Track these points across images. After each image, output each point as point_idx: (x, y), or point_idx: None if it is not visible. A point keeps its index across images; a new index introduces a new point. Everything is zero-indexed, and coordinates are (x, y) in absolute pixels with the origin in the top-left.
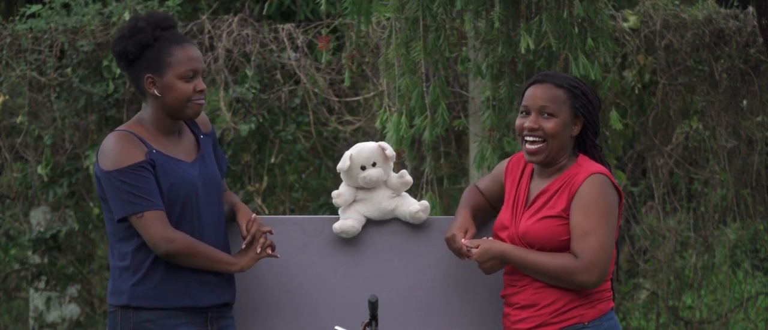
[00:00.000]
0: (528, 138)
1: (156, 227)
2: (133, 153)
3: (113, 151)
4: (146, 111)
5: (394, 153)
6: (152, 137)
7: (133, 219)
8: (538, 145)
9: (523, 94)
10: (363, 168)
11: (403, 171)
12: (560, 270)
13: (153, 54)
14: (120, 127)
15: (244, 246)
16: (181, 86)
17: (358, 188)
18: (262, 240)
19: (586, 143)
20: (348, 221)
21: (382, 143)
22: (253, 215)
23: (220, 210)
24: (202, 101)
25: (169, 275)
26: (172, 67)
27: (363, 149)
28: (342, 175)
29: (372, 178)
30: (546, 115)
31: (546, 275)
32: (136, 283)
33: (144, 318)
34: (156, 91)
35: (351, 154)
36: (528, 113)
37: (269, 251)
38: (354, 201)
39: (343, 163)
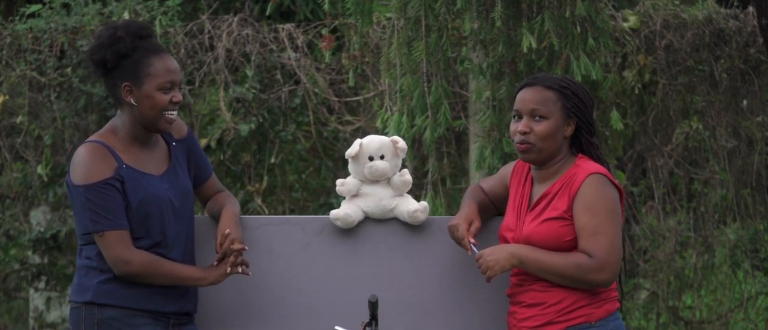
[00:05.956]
0: (519, 140)
1: (115, 248)
2: (102, 169)
3: (83, 165)
4: (120, 119)
5: (405, 146)
6: (124, 147)
7: (94, 236)
8: (527, 144)
9: (514, 98)
10: (371, 158)
11: (404, 170)
12: (574, 268)
13: (131, 63)
14: (93, 137)
15: (215, 262)
16: (159, 97)
17: (363, 182)
18: (231, 258)
19: (582, 142)
20: (345, 209)
21: (395, 138)
22: (227, 230)
23: (190, 221)
24: (175, 114)
25: (133, 281)
26: (151, 77)
27: (374, 140)
28: (350, 164)
29: (378, 169)
30: (537, 117)
31: (559, 275)
32: (102, 282)
33: (108, 315)
34: (132, 100)
35: (361, 142)
36: (520, 117)
37: (240, 270)
38: (356, 195)
39: (353, 149)
